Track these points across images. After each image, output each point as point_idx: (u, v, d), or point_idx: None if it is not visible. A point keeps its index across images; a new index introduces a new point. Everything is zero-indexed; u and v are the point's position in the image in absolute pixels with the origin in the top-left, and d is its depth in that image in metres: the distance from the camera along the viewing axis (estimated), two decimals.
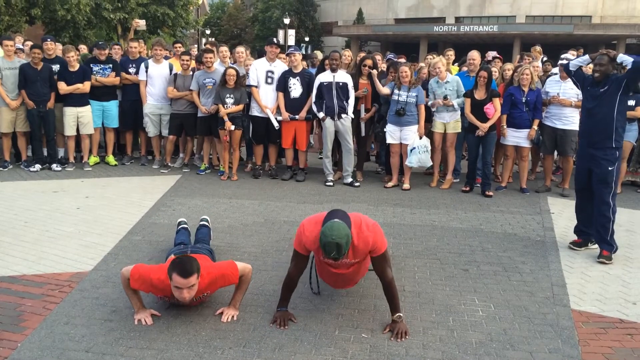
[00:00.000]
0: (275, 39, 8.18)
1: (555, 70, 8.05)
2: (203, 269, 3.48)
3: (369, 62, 7.77)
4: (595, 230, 5.05)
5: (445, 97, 7.29)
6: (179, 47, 9.08)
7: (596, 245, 5.10)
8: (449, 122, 7.46)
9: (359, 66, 7.81)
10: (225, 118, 7.52)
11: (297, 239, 3.54)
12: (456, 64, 9.78)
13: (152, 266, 3.64)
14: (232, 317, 3.65)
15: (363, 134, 7.93)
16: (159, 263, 4.27)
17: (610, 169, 4.90)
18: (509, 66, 8.03)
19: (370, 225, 3.46)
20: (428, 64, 8.17)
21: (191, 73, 8.15)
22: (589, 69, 7.91)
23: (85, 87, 8.01)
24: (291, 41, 39.72)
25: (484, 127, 7.07)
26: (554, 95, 7.26)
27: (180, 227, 4.81)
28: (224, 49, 8.64)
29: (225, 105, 7.55)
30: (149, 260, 4.57)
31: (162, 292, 3.55)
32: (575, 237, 5.33)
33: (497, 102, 7.14)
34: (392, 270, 3.62)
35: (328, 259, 3.36)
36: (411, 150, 7.30)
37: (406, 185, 7.49)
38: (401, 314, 3.53)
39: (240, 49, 8.56)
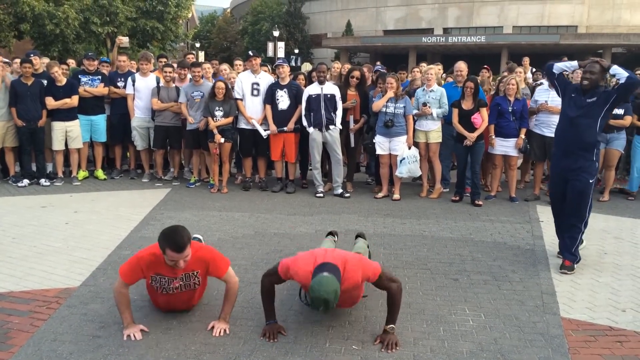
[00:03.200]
0: (251, 52, 8.20)
1: (543, 79, 8.14)
2: (194, 244, 3.53)
3: (356, 73, 7.82)
4: (562, 239, 5.01)
5: (424, 104, 7.33)
6: (164, 61, 9.09)
7: (584, 244, 5.16)
8: (430, 132, 7.50)
9: (347, 77, 7.85)
10: (215, 131, 7.52)
11: (285, 268, 3.49)
12: (444, 74, 9.86)
13: (136, 253, 3.63)
14: (223, 330, 3.63)
15: (352, 144, 7.96)
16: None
17: (590, 181, 4.81)
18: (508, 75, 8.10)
19: (355, 262, 3.43)
20: (421, 72, 8.24)
21: (174, 85, 8.15)
22: (577, 76, 8.01)
23: (73, 101, 7.99)
24: (281, 53, 39.87)
25: (472, 137, 7.11)
26: (542, 103, 7.34)
27: None
28: (207, 65, 8.59)
29: (214, 118, 7.55)
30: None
31: (155, 269, 3.55)
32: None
33: (484, 112, 7.19)
34: (396, 281, 3.57)
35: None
36: (401, 161, 7.32)
37: (396, 196, 7.51)
38: (394, 326, 3.52)
39: (224, 66, 8.58)
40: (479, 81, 7.51)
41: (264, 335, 3.55)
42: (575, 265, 4.84)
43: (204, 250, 3.68)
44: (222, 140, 7.56)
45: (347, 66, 8.85)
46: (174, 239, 3.37)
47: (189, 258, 3.47)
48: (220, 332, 3.61)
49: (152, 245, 3.61)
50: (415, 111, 7.48)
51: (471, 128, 7.16)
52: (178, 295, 3.71)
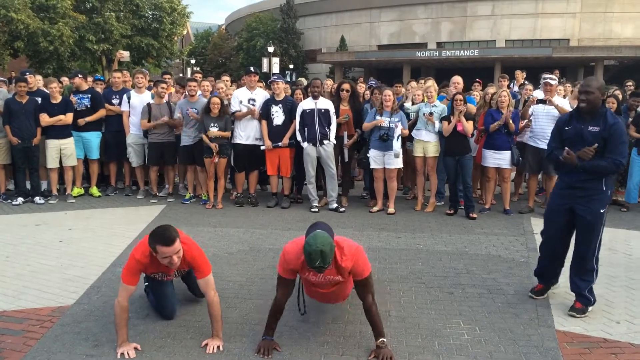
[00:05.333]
0: (252, 68, 8.28)
1: (536, 93, 8.20)
2: (185, 243, 3.65)
3: (346, 86, 7.88)
4: (573, 281, 4.32)
5: (430, 113, 7.38)
6: (167, 78, 9.14)
7: (558, 285, 4.62)
8: (428, 144, 7.53)
9: (337, 92, 7.89)
10: (210, 144, 7.52)
11: (281, 263, 3.57)
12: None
13: (132, 254, 3.67)
14: (217, 347, 3.61)
15: (346, 159, 7.98)
16: (143, 296, 4.26)
17: (602, 211, 4.15)
18: (492, 90, 8.17)
19: (353, 247, 3.50)
20: (418, 87, 8.32)
21: (165, 102, 8.17)
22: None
23: (67, 118, 8.00)
24: (275, 69, 40.07)
25: (455, 120, 7.13)
26: (532, 97, 7.40)
27: None
28: (206, 83, 8.63)
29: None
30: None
31: (152, 269, 3.71)
32: (535, 283, 4.63)
33: (468, 123, 7.19)
34: (376, 295, 3.61)
35: (312, 270, 3.37)
36: (397, 138, 7.32)
37: (391, 210, 7.52)
38: (385, 339, 3.51)
39: (220, 85, 8.61)
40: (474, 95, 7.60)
41: (258, 352, 3.54)
42: (589, 309, 4.23)
43: (190, 249, 3.71)
44: (217, 149, 7.57)
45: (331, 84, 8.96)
46: (162, 234, 3.47)
47: (181, 253, 3.54)
48: (213, 349, 3.59)
49: (141, 242, 3.67)
50: (419, 124, 7.55)
51: (460, 139, 7.18)
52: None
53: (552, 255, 4.49)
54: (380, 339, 3.49)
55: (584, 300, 4.23)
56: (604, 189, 4.14)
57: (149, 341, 3.71)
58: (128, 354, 3.51)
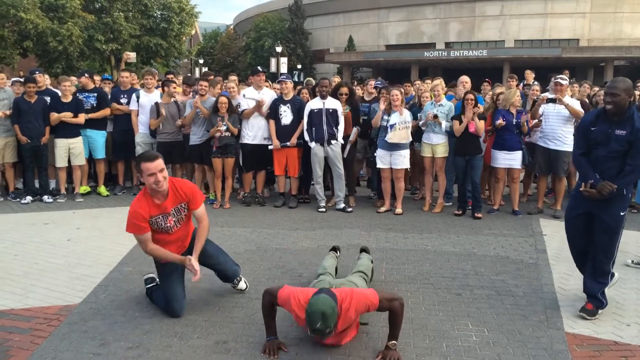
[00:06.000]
0: (259, 68, 8.28)
1: (546, 93, 8.13)
2: (173, 179, 3.99)
3: (344, 90, 7.84)
4: (587, 282, 4.27)
5: (435, 116, 7.33)
6: (171, 77, 9.14)
7: (616, 277, 4.48)
8: (437, 146, 7.49)
9: (335, 95, 7.83)
10: (219, 128, 7.52)
11: (286, 298, 3.48)
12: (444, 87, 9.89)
13: (129, 212, 3.94)
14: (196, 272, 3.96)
15: (345, 155, 7.86)
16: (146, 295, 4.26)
17: (622, 213, 4.10)
18: (499, 90, 8.12)
19: (348, 296, 3.39)
20: (421, 88, 8.26)
21: (173, 101, 8.17)
22: (535, 92, 7.91)
23: (80, 119, 8.04)
24: (283, 69, 40.10)
25: (468, 116, 7.10)
26: (542, 96, 7.28)
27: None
28: (231, 85, 8.52)
29: (218, 132, 7.57)
30: (140, 291, 4.53)
31: (149, 211, 3.90)
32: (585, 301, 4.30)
33: (480, 123, 7.15)
34: (397, 299, 3.53)
35: (315, 335, 3.35)
36: (391, 127, 7.28)
37: (399, 210, 7.49)
38: (396, 342, 3.49)
39: (231, 84, 8.52)
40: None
41: (264, 352, 3.52)
42: (599, 312, 4.18)
43: (183, 183, 4.06)
44: (224, 127, 7.56)
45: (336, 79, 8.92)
46: (145, 154, 3.85)
47: (165, 173, 3.82)
48: (194, 275, 3.96)
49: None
50: (421, 122, 7.49)
51: (471, 141, 7.15)
52: (176, 233, 4.05)
53: (582, 256, 4.41)
54: (392, 342, 3.47)
55: (596, 302, 4.17)
56: (625, 192, 4.08)
57: (155, 340, 3.70)
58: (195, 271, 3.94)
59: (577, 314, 4.18)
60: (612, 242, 4.13)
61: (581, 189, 4.11)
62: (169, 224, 3.99)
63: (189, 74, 27.87)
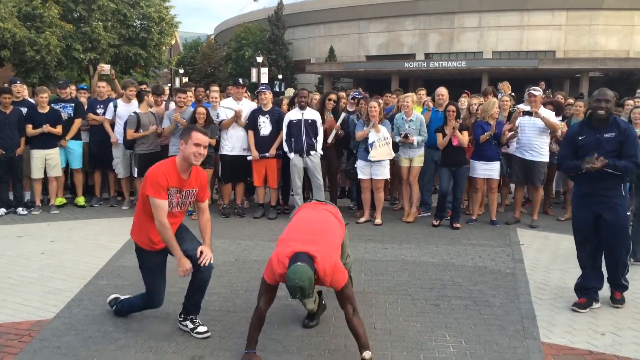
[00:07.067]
0: (240, 80, 8.27)
1: (521, 105, 8.24)
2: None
3: (333, 96, 7.92)
4: (610, 274, 4.62)
5: (405, 136, 7.38)
6: (144, 88, 9.07)
7: (599, 305, 4.59)
8: (414, 157, 7.56)
9: (323, 101, 7.90)
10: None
11: (269, 271, 3.55)
12: (428, 97, 9.92)
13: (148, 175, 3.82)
14: (210, 258, 3.90)
15: (330, 140, 7.82)
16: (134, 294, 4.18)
17: (628, 213, 4.50)
18: (476, 101, 8.21)
19: (330, 264, 3.46)
20: (398, 98, 8.32)
21: (149, 111, 8.09)
22: (505, 102, 8.00)
23: (57, 130, 7.93)
24: (264, 79, 40.07)
25: (453, 124, 7.15)
26: (518, 108, 7.39)
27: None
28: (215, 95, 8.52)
29: None
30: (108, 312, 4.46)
31: (170, 181, 3.76)
32: (576, 297, 4.62)
33: (463, 134, 7.22)
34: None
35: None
36: (371, 145, 7.30)
37: (378, 221, 7.50)
38: (369, 352, 3.46)
39: (214, 95, 8.49)
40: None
41: None
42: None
43: (202, 172, 4.04)
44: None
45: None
46: (201, 128, 3.90)
47: (206, 152, 3.82)
48: (207, 259, 3.88)
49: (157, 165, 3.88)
50: (397, 138, 7.52)
51: (454, 152, 7.21)
52: (172, 215, 3.88)
53: (593, 259, 4.60)
54: (365, 352, 3.44)
55: (622, 288, 4.60)
56: (623, 194, 4.42)
57: (130, 356, 3.64)
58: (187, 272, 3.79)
59: (611, 304, 4.56)
60: (624, 239, 4.49)
61: (585, 165, 4.27)
62: (174, 200, 3.85)
63: (169, 84, 27.55)
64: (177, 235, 3.92)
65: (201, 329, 3.96)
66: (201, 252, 3.88)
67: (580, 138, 4.44)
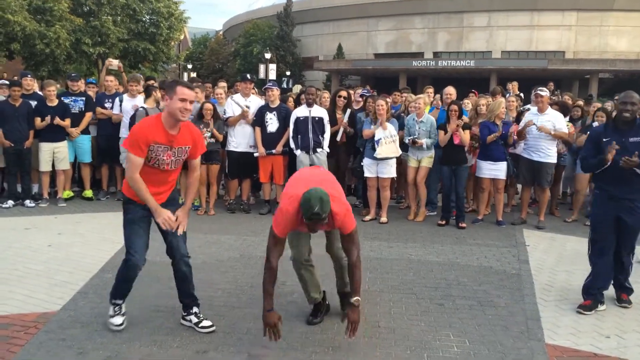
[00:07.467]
0: (248, 75, 8.29)
1: (529, 105, 8.22)
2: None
3: (343, 93, 7.92)
4: (616, 276, 4.67)
5: (414, 141, 7.37)
6: (152, 83, 9.10)
7: (604, 307, 4.60)
8: (423, 157, 7.54)
9: (334, 99, 7.90)
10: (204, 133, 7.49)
11: (279, 219, 3.62)
12: (437, 95, 9.89)
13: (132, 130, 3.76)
14: (183, 226, 3.89)
15: (338, 138, 7.88)
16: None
17: None
18: (483, 101, 8.18)
19: (343, 207, 3.62)
20: (408, 100, 8.29)
21: (156, 106, 8.11)
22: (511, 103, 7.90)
23: (66, 123, 7.98)
24: (272, 75, 40.09)
25: (452, 127, 7.14)
26: (529, 120, 7.31)
27: None
28: (197, 90, 8.55)
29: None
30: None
31: (154, 136, 3.63)
32: (582, 299, 4.62)
33: (465, 133, 7.20)
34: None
35: (307, 225, 3.52)
36: (377, 142, 7.30)
37: (383, 219, 7.49)
38: (359, 298, 3.57)
39: (219, 91, 8.54)
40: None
41: (266, 333, 3.53)
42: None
43: (195, 128, 3.94)
44: (209, 134, 7.52)
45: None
46: (185, 81, 3.74)
47: (192, 108, 3.73)
48: (181, 228, 3.87)
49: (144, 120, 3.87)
50: (407, 139, 7.52)
51: (456, 150, 7.19)
52: (166, 173, 3.82)
53: (606, 259, 4.59)
54: (355, 298, 3.54)
55: (628, 290, 4.71)
56: None
57: (134, 349, 3.66)
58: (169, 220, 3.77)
59: (617, 304, 4.65)
60: (634, 241, 4.62)
61: (622, 161, 4.23)
62: (165, 158, 3.72)
63: (176, 79, 27.52)
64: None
65: (205, 323, 3.97)
66: (176, 218, 3.84)
67: (604, 140, 4.42)
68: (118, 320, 3.91)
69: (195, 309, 4.03)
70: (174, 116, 3.62)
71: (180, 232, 3.87)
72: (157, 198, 3.83)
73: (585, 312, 4.46)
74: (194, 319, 4.00)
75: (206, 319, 4.00)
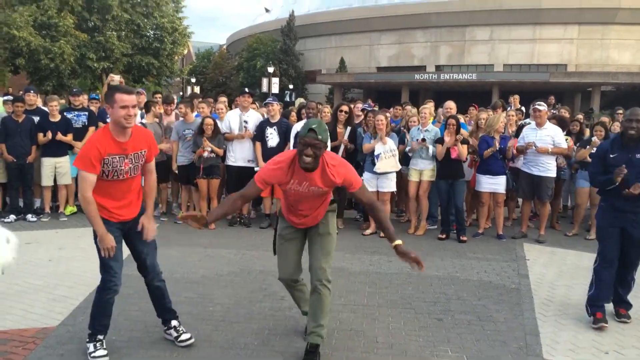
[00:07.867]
0: (246, 89, 8.36)
1: (528, 120, 8.25)
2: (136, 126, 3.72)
3: (345, 108, 7.93)
4: (619, 289, 4.67)
5: (423, 139, 7.39)
6: (158, 97, 9.19)
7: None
8: (424, 171, 7.54)
9: (335, 113, 7.92)
10: (201, 162, 7.54)
11: (264, 171, 3.75)
12: (439, 109, 9.94)
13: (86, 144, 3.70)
14: (152, 233, 3.79)
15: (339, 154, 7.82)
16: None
17: None
18: (484, 115, 8.21)
19: (340, 160, 3.77)
20: (409, 114, 8.32)
21: (157, 120, 8.19)
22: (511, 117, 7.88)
23: (68, 137, 8.04)
24: (275, 89, 40.31)
25: (448, 141, 7.16)
26: (529, 142, 7.33)
27: None
28: (203, 105, 8.64)
29: (204, 153, 7.59)
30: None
31: (107, 149, 3.55)
32: (582, 313, 4.68)
33: (463, 147, 7.23)
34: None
35: (298, 177, 3.61)
36: (377, 156, 7.31)
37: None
38: (399, 242, 3.63)
39: (220, 106, 8.61)
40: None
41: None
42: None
43: (145, 129, 3.93)
44: (209, 149, 7.58)
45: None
46: (121, 86, 3.68)
47: (137, 111, 3.67)
48: (150, 235, 3.77)
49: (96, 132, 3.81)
50: (408, 148, 7.55)
51: (453, 164, 7.21)
52: (128, 182, 3.72)
53: (612, 272, 4.58)
54: (396, 243, 3.63)
55: (627, 305, 4.67)
56: None
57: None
58: (110, 246, 3.65)
59: (616, 319, 4.60)
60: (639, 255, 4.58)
61: (625, 192, 4.30)
62: (124, 167, 3.64)
63: (181, 93, 27.74)
64: (134, 244, 3.88)
65: (184, 336, 3.95)
66: (142, 227, 3.76)
67: (611, 156, 4.46)
68: (101, 352, 3.75)
69: (174, 322, 4.02)
70: (119, 124, 3.55)
71: (149, 239, 3.81)
72: (129, 210, 3.79)
73: (605, 324, 4.41)
74: (174, 333, 3.98)
75: (185, 332, 3.98)
